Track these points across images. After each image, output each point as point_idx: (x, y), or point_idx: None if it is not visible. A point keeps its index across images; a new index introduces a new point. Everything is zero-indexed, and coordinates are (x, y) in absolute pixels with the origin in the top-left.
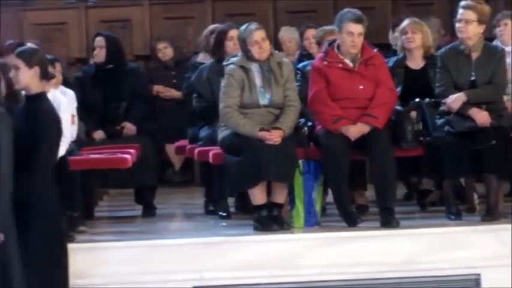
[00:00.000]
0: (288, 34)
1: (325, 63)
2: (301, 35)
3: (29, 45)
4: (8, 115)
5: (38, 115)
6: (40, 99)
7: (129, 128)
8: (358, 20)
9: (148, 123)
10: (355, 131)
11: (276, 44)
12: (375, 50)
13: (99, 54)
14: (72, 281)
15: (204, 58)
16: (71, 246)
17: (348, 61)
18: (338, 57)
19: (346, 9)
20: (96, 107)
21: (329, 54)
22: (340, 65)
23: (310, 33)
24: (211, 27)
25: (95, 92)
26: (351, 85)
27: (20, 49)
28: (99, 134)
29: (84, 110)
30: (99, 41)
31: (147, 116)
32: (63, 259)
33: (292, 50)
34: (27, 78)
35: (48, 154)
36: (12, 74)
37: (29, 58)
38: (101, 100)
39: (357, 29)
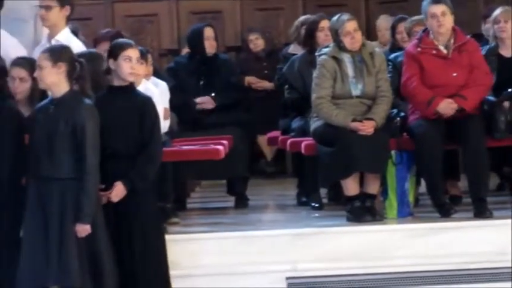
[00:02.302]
0: (385, 23)
1: (419, 49)
2: (394, 28)
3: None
4: (95, 107)
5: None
6: None
7: (207, 100)
8: (437, 1)
9: (240, 114)
10: (445, 107)
11: (368, 34)
12: (468, 37)
13: (213, 45)
14: None
15: (295, 49)
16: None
17: (441, 47)
18: (432, 44)
19: None
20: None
21: (423, 40)
22: (434, 52)
23: (403, 27)
24: (302, 18)
25: (189, 82)
26: (444, 72)
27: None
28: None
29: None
30: (211, 31)
31: (236, 105)
32: (164, 249)
33: (386, 39)
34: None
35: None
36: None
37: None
38: (195, 91)
39: (439, 9)
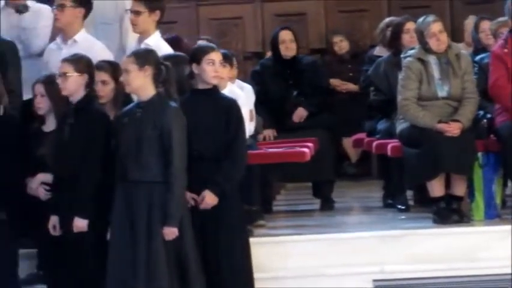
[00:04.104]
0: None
1: (505, 50)
2: (476, 27)
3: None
4: (181, 110)
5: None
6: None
7: (300, 112)
8: None
9: (325, 116)
10: None
11: (453, 36)
12: None
13: (291, 48)
14: None
15: (380, 51)
16: (250, 240)
17: None
18: None
19: None
20: (275, 101)
21: (509, 41)
22: None
23: (486, 25)
24: (388, 20)
25: (275, 85)
26: None
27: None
28: (269, 132)
29: (261, 104)
30: (289, 34)
31: (323, 108)
32: (249, 251)
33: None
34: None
35: None
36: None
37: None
38: (280, 93)
39: None
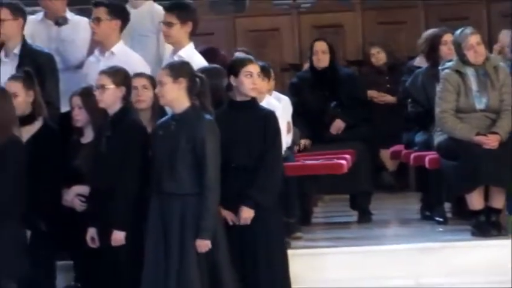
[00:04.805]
0: (506, 38)
1: None
2: None
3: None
4: (215, 123)
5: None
6: None
7: (338, 124)
8: None
9: (362, 128)
10: None
11: (491, 48)
12: None
13: (323, 59)
14: None
15: (421, 62)
16: (288, 252)
17: None
18: None
19: None
20: (312, 113)
21: None
22: None
23: None
24: (431, 31)
25: (312, 97)
26: None
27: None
28: (305, 141)
29: (298, 116)
30: (322, 45)
31: (361, 120)
32: (287, 263)
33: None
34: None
35: None
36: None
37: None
38: (318, 105)
39: None
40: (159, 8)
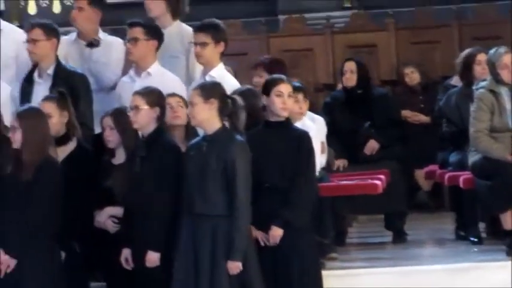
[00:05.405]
0: None
1: None
2: None
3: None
4: (246, 144)
5: None
6: None
7: (372, 144)
8: None
9: (397, 148)
10: None
11: None
12: None
13: (351, 79)
14: None
15: (457, 81)
16: (322, 273)
17: None
18: None
19: None
20: (346, 133)
21: None
22: None
23: None
24: (468, 50)
25: (345, 117)
26: None
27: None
28: (341, 162)
29: (332, 136)
30: (350, 65)
31: (395, 140)
32: (321, 284)
33: None
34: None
35: None
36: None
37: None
38: (351, 125)
39: None
40: (188, 29)
